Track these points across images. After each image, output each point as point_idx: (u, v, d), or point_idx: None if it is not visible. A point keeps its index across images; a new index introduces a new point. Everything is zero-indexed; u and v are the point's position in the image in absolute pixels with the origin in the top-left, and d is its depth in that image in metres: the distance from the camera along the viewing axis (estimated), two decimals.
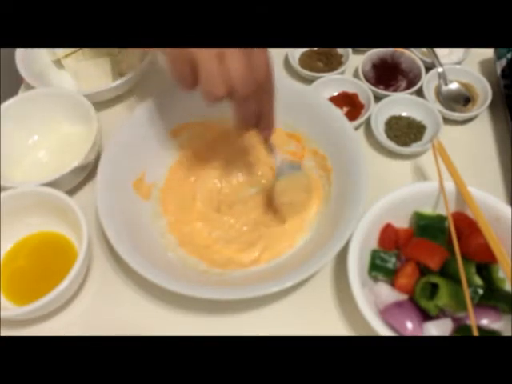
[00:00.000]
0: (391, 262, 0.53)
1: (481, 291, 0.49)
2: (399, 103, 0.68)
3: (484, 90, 0.68)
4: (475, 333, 0.44)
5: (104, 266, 0.58)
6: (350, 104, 0.69)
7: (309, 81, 0.71)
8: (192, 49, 0.45)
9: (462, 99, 0.69)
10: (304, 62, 0.74)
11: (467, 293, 0.46)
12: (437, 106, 0.67)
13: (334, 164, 0.60)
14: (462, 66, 0.71)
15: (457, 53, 0.72)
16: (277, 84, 0.58)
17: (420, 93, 0.68)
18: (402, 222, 0.55)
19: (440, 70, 0.69)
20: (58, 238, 0.58)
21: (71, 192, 0.62)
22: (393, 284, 0.52)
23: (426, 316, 0.49)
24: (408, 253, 0.52)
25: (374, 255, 0.53)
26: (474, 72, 0.70)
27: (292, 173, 0.58)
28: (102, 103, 0.70)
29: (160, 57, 0.53)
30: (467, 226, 0.53)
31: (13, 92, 0.71)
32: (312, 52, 0.74)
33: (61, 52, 0.72)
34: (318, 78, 0.70)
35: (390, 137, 0.66)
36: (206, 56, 0.45)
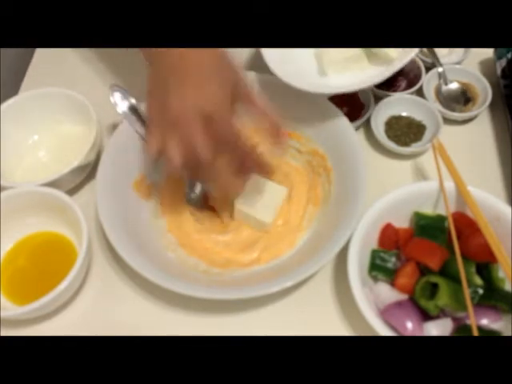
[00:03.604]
0: (391, 262, 0.53)
1: (481, 291, 0.49)
2: (399, 103, 0.67)
3: (484, 90, 0.68)
4: (475, 333, 0.44)
5: (104, 265, 0.58)
6: (349, 104, 0.69)
7: None
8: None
9: (462, 99, 0.69)
10: None
11: (467, 293, 0.46)
12: (437, 106, 0.67)
13: (334, 164, 0.60)
14: (462, 66, 0.71)
15: (457, 53, 0.72)
16: (277, 84, 0.59)
17: (420, 93, 0.68)
18: (402, 222, 0.55)
19: (440, 69, 0.69)
20: (58, 238, 0.58)
21: (71, 192, 0.62)
22: (393, 284, 0.52)
23: (426, 316, 0.49)
24: (408, 253, 0.52)
25: (374, 255, 0.53)
26: (474, 72, 0.70)
27: None
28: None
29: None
30: (467, 225, 0.53)
31: (13, 92, 0.71)
32: None
33: None
34: None
35: (390, 137, 0.66)
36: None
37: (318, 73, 0.61)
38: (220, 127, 0.44)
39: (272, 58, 0.59)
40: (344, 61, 0.59)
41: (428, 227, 0.54)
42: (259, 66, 0.61)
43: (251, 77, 0.63)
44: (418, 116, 0.67)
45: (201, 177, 0.50)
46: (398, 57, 0.56)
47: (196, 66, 0.43)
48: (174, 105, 0.43)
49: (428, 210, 0.55)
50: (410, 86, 0.70)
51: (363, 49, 0.59)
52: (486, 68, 0.73)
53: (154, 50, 0.46)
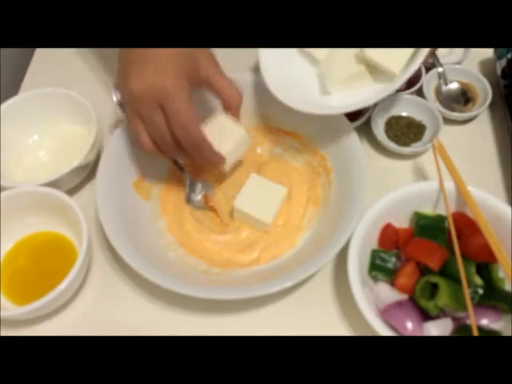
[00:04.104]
0: (391, 262, 0.53)
1: (481, 291, 0.49)
2: (399, 103, 0.68)
3: (484, 90, 0.68)
4: (475, 333, 0.44)
5: (104, 265, 0.58)
6: None
7: None
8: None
9: (462, 99, 0.69)
10: None
11: (467, 293, 0.46)
12: (437, 106, 0.67)
13: (334, 164, 0.60)
14: (462, 66, 0.71)
15: (457, 53, 0.72)
16: None
17: (420, 93, 0.68)
18: (402, 222, 0.55)
19: (440, 70, 0.69)
20: (58, 238, 0.58)
21: (71, 192, 0.62)
22: (393, 284, 0.52)
23: (426, 316, 0.49)
24: (408, 253, 0.52)
25: (374, 255, 0.53)
26: (474, 72, 0.70)
27: None
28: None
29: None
30: (467, 225, 0.53)
31: (13, 92, 0.71)
32: None
33: None
34: None
35: (390, 137, 0.66)
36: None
37: (320, 93, 0.60)
38: (174, 105, 0.49)
39: (272, 81, 0.57)
40: (347, 79, 0.58)
41: (428, 227, 0.54)
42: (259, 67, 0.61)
43: (251, 78, 0.63)
44: (418, 116, 0.67)
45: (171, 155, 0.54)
46: (400, 72, 0.55)
47: (153, 57, 0.49)
48: (135, 86, 0.49)
49: (428, 210, 0.55)
50: (410, 86, 0.70)
51: (366, 66, 0.58)
52: (486, 68, 0.73)
53: (120, 49, 0.51)
